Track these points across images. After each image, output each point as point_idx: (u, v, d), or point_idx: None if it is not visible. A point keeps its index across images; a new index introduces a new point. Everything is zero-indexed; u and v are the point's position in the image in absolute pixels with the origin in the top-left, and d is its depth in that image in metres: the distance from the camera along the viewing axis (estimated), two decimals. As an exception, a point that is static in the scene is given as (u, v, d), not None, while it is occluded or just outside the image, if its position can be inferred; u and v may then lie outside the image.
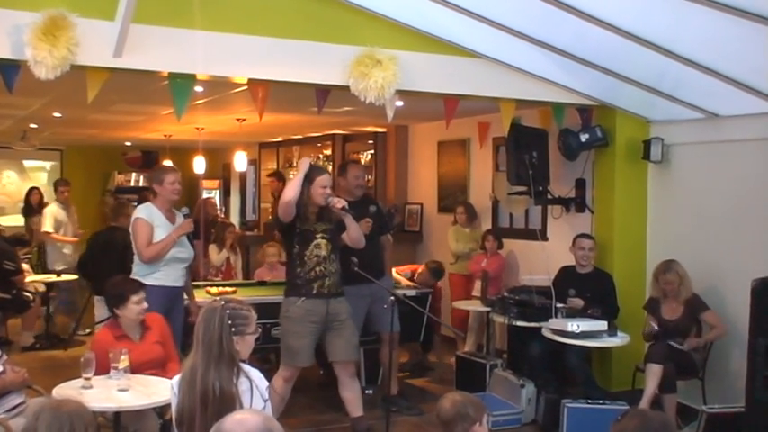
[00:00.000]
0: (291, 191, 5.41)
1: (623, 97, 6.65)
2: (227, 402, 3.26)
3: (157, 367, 4.86)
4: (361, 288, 5.97)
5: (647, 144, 6.88)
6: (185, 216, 5.89)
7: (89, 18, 4.89)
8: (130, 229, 5.77)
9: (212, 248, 8.88)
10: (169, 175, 5.80)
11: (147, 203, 5.88)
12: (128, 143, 14.97)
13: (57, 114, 9.63)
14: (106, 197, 15.67)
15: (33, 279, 9.31)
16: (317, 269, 5.48)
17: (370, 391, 6.87)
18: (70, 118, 10.03)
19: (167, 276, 5.66)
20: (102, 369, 4.51)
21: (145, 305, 4.93)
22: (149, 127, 11.24)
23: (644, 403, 5.71)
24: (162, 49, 5.28)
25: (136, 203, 9.93)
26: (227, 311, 3.39)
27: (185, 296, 6.00)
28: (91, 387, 4.36)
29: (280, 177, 11.64)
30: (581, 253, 6.65)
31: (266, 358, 6.89)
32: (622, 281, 6.78)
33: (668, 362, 5.85)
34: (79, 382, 4.42)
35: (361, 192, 6.53)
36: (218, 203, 15.93)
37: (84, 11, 4.87)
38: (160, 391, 4.27)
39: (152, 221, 5.65)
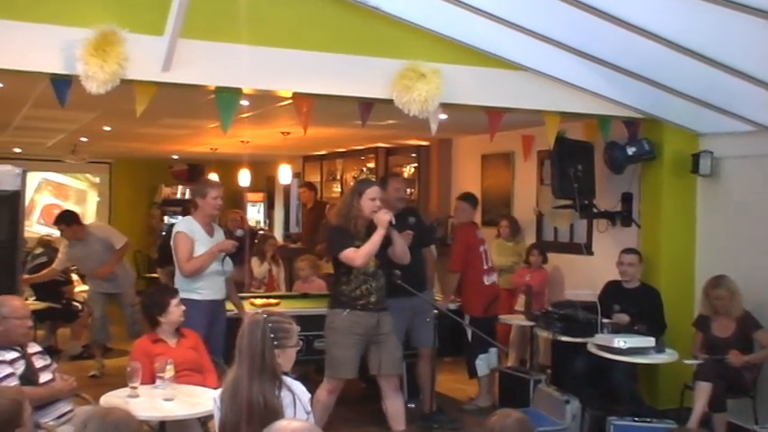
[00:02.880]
0: (369, 252, 5.37)
1: (671, 110, 6.57)
2: (271, 415, 3.27)
3: (195, 371, 4.97)
4: (402, 301, 5.95)
5: (695, 157, 6.79)
6: (237, 238, 5.97)
7: (139, 34, 4.99)
8: (171, 243, 5.85)
9: (254, 261, 8.93)
10: (213, 190, 5.87)
11: (188, 217, 5.98)
12: (174, 156, 15.17)
13: (106, 128, 9.79)
14: (153, 209, 15.88)
15: (82, 289, 9.45)
16: (363, 287, 5.47)
17: (413, 405, 6.83)
18: (119, 131, 10.19)
19: (208, 290, 5.75)
20: (144, 374, 4.58)
21: (183, 307, 5.10)
22: (195, 140, 11.37)
23: (693, 422, 5.60)
24: (208, 64, 5.36)
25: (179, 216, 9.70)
26: (270, 324, 3.41)
27: (234, 308, 6.14)
28: (137, 396, 4.42)
29: (311, 187, 12.08)
30: (621, 268, 6.57)
31: (307, 376, 6.84)
32: (670, 297, 6.67)
33: (718, 380, 5.72)
34: (126, 391, 4.48)
35: (402, 204, 6.53)
36: (262, 216, 16.09)
37: (134, 27, 4.96)
38: (204, 401, 4.31)
39: (193, 236, 5.73)
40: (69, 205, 15.59)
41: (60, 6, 5.00)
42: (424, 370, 6.60)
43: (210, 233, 5.86)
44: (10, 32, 4.85)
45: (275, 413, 3.28)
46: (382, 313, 5.55)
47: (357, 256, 5.33)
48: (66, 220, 8.12)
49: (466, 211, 7.36)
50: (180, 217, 12.58)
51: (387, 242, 5.52)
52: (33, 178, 14.92)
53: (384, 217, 5.35)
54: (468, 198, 7.52)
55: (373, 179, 11.12)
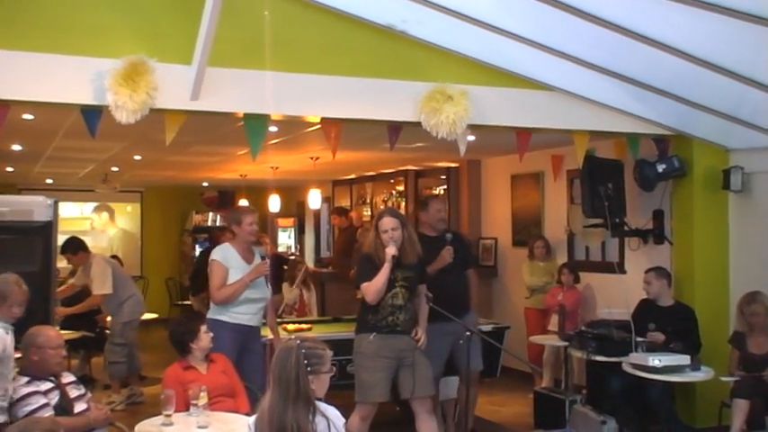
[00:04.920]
0: (377, 288, 5.34)
1: (700, 126, 6.52)
2: None
3: (227, 395, 4.97)
4: (443, 326, 5.80)
5: (726, 173, 6.73)
6: (262, 258, 5.98)
7: (167, 63, 5.06)
8: (209, 270, 5.89)
9: (285, 286, 8.95)
10: (248, 216, 5.92)
11: (225, 244, 6.00)
12: (205, 183, 15.29)
13: (137, 157, 9.89)
14: (184, 236, 15.99)
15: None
16: (389, 318, 5.44)
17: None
18: (149, 160, 10.29)
19: (240, 315, 5.76)
20: (177, 402, 4.58)
21: (211, 333, 5.12)
22: (225, 167, 11.46)
23: (731, 440, 5.52)
24: (237, 91, 5.42)
25: (208, 243, 9.63)
26: (303, 351, 3.39)
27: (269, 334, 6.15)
28: (171, 424, 4.42)
29: (341, 212, 12.04)
30: (643, 287, 6.54)
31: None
32: (704, 314, 6.58)
33: (756, 397, 5.64)
34: (160, 419, 4.48)
35: (443, 225, 6.51)
36: (293, 242, 16.14)
37: (163, 56, 5.03)
38: (238, 428, 4.30)
39: (227, 263, 5.76)
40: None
41: (89, 38, 5.08)
42: (464, 392, 6.55)
43: (249, 259, 5.88)
44: (41, 65, 4.93)
45: None
46: (409, 336, 5.52)
47: (368, 291, 5.37)
48: (73, 248, 8.12)
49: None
50: (207, 244, 12.62)
51: (422, 273, 5.56)
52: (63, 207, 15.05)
53: (386, 252, 5.34)
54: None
55: (403, 203, 11.18)
